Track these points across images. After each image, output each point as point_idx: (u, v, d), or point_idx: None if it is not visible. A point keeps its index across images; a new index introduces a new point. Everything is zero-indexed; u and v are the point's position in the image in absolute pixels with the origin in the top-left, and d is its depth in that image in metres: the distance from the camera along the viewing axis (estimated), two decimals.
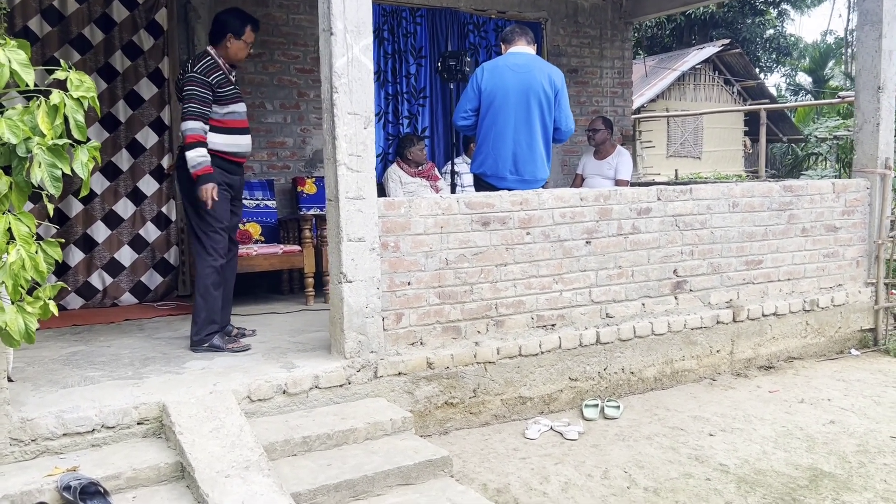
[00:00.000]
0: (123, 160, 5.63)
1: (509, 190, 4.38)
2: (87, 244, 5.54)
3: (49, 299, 3.01)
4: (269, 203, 6.00)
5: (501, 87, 4.47)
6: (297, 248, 5.53)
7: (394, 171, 6.33)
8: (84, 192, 2.99)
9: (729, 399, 4.66)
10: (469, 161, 6.42)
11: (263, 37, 6.10)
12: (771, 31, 21.54)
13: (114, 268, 5.62)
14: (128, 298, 5.66)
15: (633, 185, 6.71)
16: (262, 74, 6.15)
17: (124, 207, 5.64)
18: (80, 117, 2.89)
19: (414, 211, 3.97)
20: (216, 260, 4.06)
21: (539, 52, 7.49)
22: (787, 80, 26.41)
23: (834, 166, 19.05)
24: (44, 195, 2.89)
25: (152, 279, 5.76)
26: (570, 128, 4.70)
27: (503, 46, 4.76)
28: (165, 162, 5.77)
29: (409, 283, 3.98)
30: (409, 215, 3.96)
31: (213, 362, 3.89)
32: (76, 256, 5.50)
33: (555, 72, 4.65)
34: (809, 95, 26.05)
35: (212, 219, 4.03)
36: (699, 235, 4.97)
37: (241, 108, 4.19)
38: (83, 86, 2.94)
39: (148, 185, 5.71)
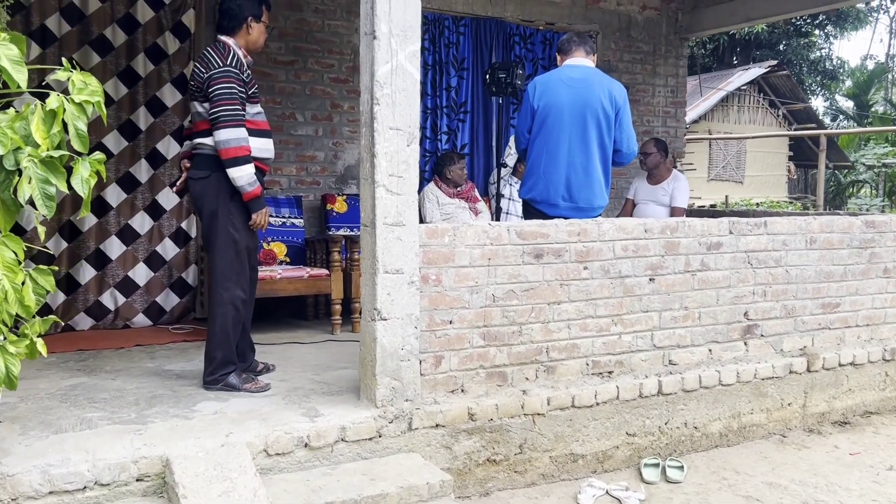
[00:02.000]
0: (142, 171, 5.23)
1: (564, 219, 3.89)
2: (100, 260, 5.14)
3: (38, 336, 2.57)
4: (296, 221, 5.56)
5: (555, 103, 4.01)
6: (324, 272, 5.08)
7: (431, 190, 5.88)
8: (84, 213, 2.56)
9: (805, 462, 4.11)
10: (516, 182, 5.96)
11: (296, 43, 5.69)
12: (818, 54, 20.89)
13: (127, 287, 5.21)
14: (141, 320, 5.24)
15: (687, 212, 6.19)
16: (294, 83, 5.74)
17: (141, 222, 5.24)
18: (82, 125, 2.47)
19: (459, 240, 3.50)
20: (238, 293, 3.59)
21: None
22: (829, 105, 25.69)
23: (880, 195, 18.35)
24: (35, 216, 2.46)
25: (168, 300, 5.35)
26: (633, 150, 4.21)
27: (559, 58, 4.28)
28: None
29: (450, 322, 3.51)
30: (454, 245, 3.49)
31: (228, 405, 3.43)
32: (87, 273, 5.10)
33: (616, 87, 4.16)
34: (852, 121, 25.32)
35: (237, 243, 3.56)
36: (773, 274, 4.44)
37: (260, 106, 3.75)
38: (87, 88, 2.51)
39: (168, 199, 5.31)
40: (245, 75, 3.55)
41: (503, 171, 5.84)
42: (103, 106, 2.54)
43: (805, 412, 4.62)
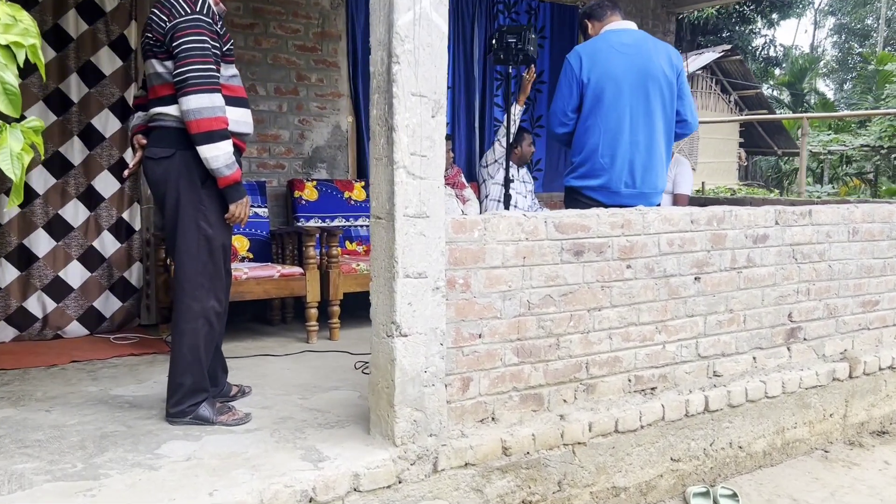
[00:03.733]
0: (75, 151, 4.38)
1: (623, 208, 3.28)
2: (24, 259, 4.28)
3: None
4: (259, 211, 4.79)
5: (610, 75, 3.35)
6: (297, 270, 4.34)
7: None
8: (15, 201, 1.81)
9: (861, 483, 3.62)
10: (513, 167, 5.31)
11: (256, 4, 4.92)
12: (760, 40, 20.92)
13: (58, 289, 4.36)
14: (75, 329, 4.40)
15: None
16: (254, 51, 4.95)
17: (74, 212, 4.39)
18: (12, 78, 1.73)
19: (490, 235, 2.84)
20: (212, 304, 2.85)
21: (576, 42, 6.45)
22: (770, 92, 25.92)
23: (823, 181, 18.45)
24: None
25: (108, 304, 4.52)
26: (696, 120, 3.62)
27: (592, 25, 3.62)
28: (129, 156, 4.52)
29: (480, 336, 2.85)
30: (484, 241, 2.83)
31: (202, 445, 2.69)
32: (8, 275, 4.24)
33: (671, 49, 3.55)
34: (787, 109, 25.56)
35: (210, 240, 2.81)
36: (816, 270, 3.94)
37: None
38: (18, 26, 1.76)
39: (106, 184, 4.47)
40: (219, 26, 2.80)
41: (496, 154, 5.19)
42: (40, 53, 1.79)
43: (845, 423, 4.15)
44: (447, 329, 2.74)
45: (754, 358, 3.74)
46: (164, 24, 2.69)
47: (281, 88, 5.06)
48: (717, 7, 16.62)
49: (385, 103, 2.59)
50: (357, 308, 5.04)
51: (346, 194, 5.11)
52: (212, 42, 2.70)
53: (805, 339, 3.93)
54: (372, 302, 2.76)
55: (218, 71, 2.72)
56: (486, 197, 5.29)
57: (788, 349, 3.88)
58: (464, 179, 5.40)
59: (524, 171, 5.47)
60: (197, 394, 2.85)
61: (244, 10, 4.88)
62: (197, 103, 2.62)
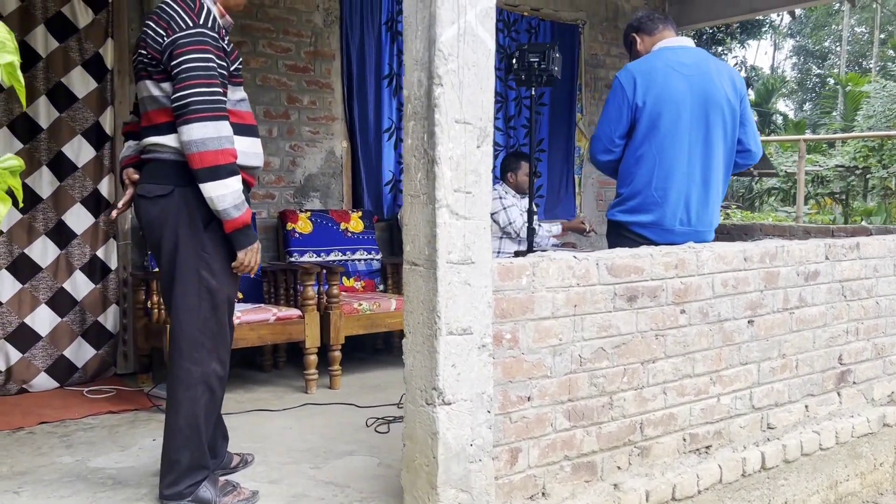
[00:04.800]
0: (44, 183, 3.92)
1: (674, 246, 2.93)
2: None
3: None
4: None
5: (669, 99, 2.97)
6: (294, 312, 3.92)
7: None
8: None
9: None
10: (509, 192, 4.96)
11: (244, 20, 4.51)
12: (732, 62, 20.99)
13: (24, 338, 3.88)
14: (43, 382, 3.92)
15: None
16: (242, 71, 4.52)
17: (42, 251, 3.92)
18: None
19: (539, 281, 2.47)
20: (214, 368, 2.42)
21: (576, 63, 6.15)
22: None
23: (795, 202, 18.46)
24: None
25: (80, 353, 4.04)
26: (761, 149, 3.29)
27: (641, 40, 3.23)
28: (105, 187, 4.08)
29: (528, 399, 2.47)
30: (533, 288, 2.46)
31: None
32: None
33: (734, 72, 3.21)
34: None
35: (214, 293, 2.39)
36: (864, 307, 3.64)
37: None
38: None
39: (78, 219, 4.02)
40: (225, 42, 2.40)
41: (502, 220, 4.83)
42: (19, 73, 1.40)
43: (895, 471, 3.84)
44: (494, 392, 2.36)
45: (806, 406, 3.41)
46: (160, 39, 2.27)
47: (271, 111, 4.66)
48: (693, 31, 16.57)
49: (424, 132, 2.21)
50: (354, 349, 4.64)
51: (343, 226, 4.71)
52: (218, 60, 2.30)
53: (854, 383, 3.63)
54: (406, 362, 2.36)
55: (225, 94, 2.31)
56: (512, 223, 4.86)
57: (839, 394, 3.56)
58: None
59: (524, 200, 5.12)
60: (196, 472, 2.42)
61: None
62: (200, 133, 2.20)
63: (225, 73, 2.34)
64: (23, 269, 3.88)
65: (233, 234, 2.32)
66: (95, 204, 4.06)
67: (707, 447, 3.01)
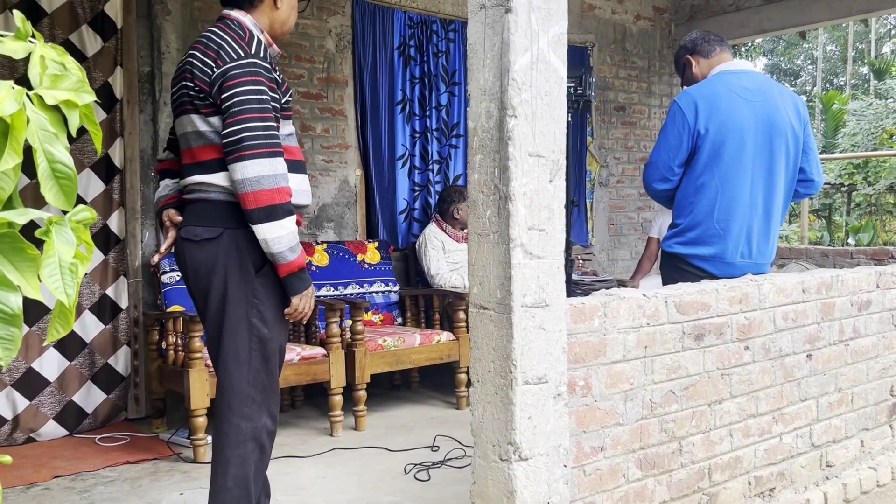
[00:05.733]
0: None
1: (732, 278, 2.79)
2: None
3: None
4: None
5: (733, 125, 2.82)
6: (319, 351, 3.73)
7: (434, 233, 4.66)
8: (61, 332, 1.24)
9: None
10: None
11: None
12: None
13: (30, 384, 3.66)
14: (52, 430, 3.69)
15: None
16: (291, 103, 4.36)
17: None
18: (64, 154, 1.17)
19: (611, 322, 2.32)
20: (265, 422, 2.23)
21: (587, 86, 6.04)
22: None
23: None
24: None
25: (90, 398, 3.82)
26: (822, 178, 3.16)
27: (696, 63, 3.10)
28: (115, 223, 3.87)
29: (601, 449, 2.31)
30: (605, 330, 2.31)
31: None
32: None
33: (798, 98, 3.08)
34: None
35: (265, 343, 2.20)
36: None
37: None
38: (70, 78, 1.23)
39: None
40: (277, 74, 2.24)
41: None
42: (94, 116, 1.23)
43: None
44: (569, 445, 2.19)
45: (861, 441, 3.28)
46: (210, 71, 2.10)
47: None
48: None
49: (495, 166, 2.06)
50: (372, 386, 4.44)
51: (360, 257, 4.54)
52: (270, 93, 2.14)
53: None
54: (475, 413, 2.19)
55: (279, 128, 2.15)
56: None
57: (891, 427, 3.44)
58: None
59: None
60: None
61: None
62: (255, 170, 2.03)
63: (277, 105, 2.17)
64: (29, 311, 3.65)
65: (287, 278, 2.14)
66: (105, 240, 3.86)
67: (771, 490, 2.87)
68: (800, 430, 2.98)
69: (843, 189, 16.35)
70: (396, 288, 4.68)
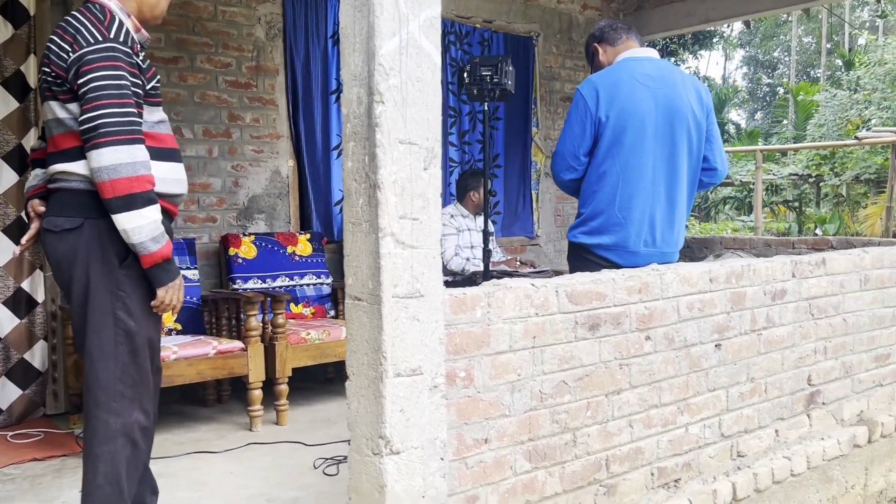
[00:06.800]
0: None
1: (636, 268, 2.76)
2: None
3: None
4: (187, 273, 4.10)
5: (634, 112, 2.78)
6: (237, 345, 3.67)
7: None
8: None
9: None
10: (457, 216, 4.78)
11: (180, 35, 4.28)
12: (686, 72, 21.21)
13: None
14: None
15: None
16: (179, 88, 4.30)
17: None
18: None
19: (495, 312, 2.28)
20: (137, 417, 2.17)
21: (531, 76, 6.01)
22: None
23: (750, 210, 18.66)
24: None
25: (5, 394, 3.75)
26: (727, 167, 3.14)
27: (603, 50, 3.05)
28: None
29: (486, 441, 2.27)
30: (489, 320, 2.27)
31: None
32: None
33: (701, 85, 3.05)
34: None
35: (132, 336, 2.14)
36: (832, 325, 3.52)
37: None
38: None
39: (0, 249, 3.72)
40: (140, 58, 2.17)
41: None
42: None
43: (866, 493, 3.73)
44: (447, 437, 2.15)
45: (776, 431, 3.27)
46: (66, 55, 2.03)
47: (210, 130, 4.41)
48: (648, 42, 16.70)
49: (365, 154, 2.01)
50: (303, 380, 4.40)
51: (290, 249, 4.48)
52: (131, 78, 2.07)
53: (824, 404, 3.50)
54: (350, 407, 2.15)
55: (140, 116, 2.08)
56: (441, 254, 4.71)
57: (808, 416, 3.43)
58: None
59: (479, 218, 4.95)
60: None
61: (166, 42, 4.23)
62: (112, 158, 1.97)
63: (140, 91, 2.11)
64: None
65: (151, 269, 2.08)
66: (19, 233, 3.77)
67: (676, 480, 2.85)
68: (708, 420, 2.96)
69: (811, 180, 16.47)
70: (329, 280, 4.63)
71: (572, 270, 2.98)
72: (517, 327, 2.34)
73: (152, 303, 2.14)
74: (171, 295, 2.14)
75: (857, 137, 11.15)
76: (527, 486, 2.38)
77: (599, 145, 2.81)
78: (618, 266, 2.87)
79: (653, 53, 3.05)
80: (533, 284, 2.41)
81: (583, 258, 2.93)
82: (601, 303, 2.56)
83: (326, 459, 3.21)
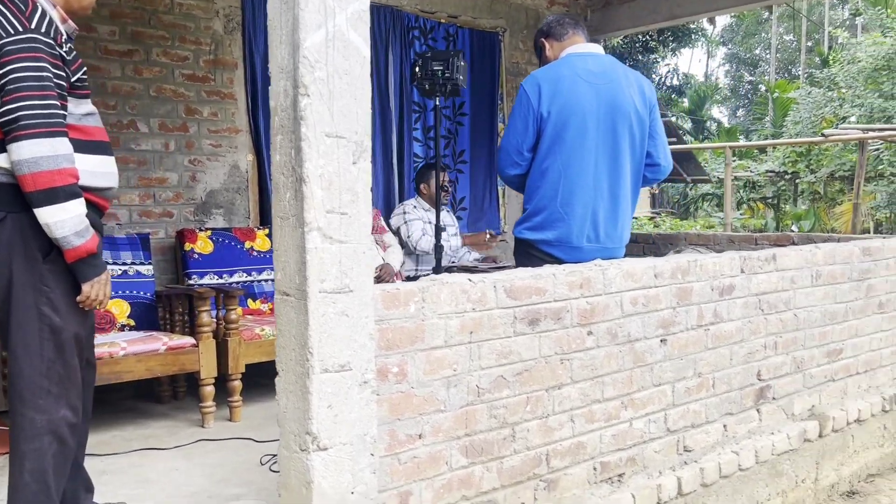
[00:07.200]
0: None
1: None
2: None
3: None
4: (141, 269, 4.06)
5: (575, 108, 2.79)
6: (188, 340, 3.64)
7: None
8: None
9: None
10: (420, 206, 4.78)
11: (136, 27, 4.23)
12: (665, 69, 21.28)
13: None
14: None
15: None
16: (134, 81, 4.25)
17: None
18: None
19: (430, 307, 2.27)
20: (63, 414, 2.14)
21: (497, 71, 6.01)
22: (675, 119, 26.49)
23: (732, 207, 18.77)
24: None
25: None
26: (671, 163, 3.14)
27: (550, 46, 3.04)
28: None
29: (420, 437, 2.26)
30: (423, 315, 2.26)
31: None
32: None
33: (644, 80, 3.05)
34: (690, 136, 26.17)
35: (57, 332, 2.11)
36: (783, 320, 3.54)
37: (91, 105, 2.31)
38: None
39: None
40: (65, 50, 2.14)
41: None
42: None
43: (817, 487, 3.75)
44: (379, 433, 2.14)
45: (725, 426, 3.29)
46: None
47: (167, 124, 4.37)
48: (622, 36, 16.76)
49: (291, 147, 1.99)
50: (261, 375, 4.36)
51: (248, 244, 4.44)
52: (54, 70, 2.04)
53: (774, 399, 3.52)
54: (280, 403, 2.14)
55: (64, 108, 2.05)
56: (409, 238, 4.72)
57: (758, 411, 3.45)
58: (384, 223, 4.81)
59: (444, 211, 4.95)
60: None
61: (120, 35, 4.19)
62: (32, 151, 1.94)
63: (64, 83, 2.08)
64: None
65: (76, 264, 2.06)
66: None
67: (620, 475, 2.85)
68: (653, 415, 2.97)
69: (787, 177, 16.58)
70: None
71: (518, 266, 2.98)
72: (453, 322, 2.33)
73: (78, 298, 2.12)
74: (98, 290, 2.11)
75: (823, 134, 11.24)
76: (463, 482, 2.38)
77: (542, 141, 2.81)
78: (562, 262, 2.87)
79: (597, 49, 3.05)
80: (470, 279, 2.40)
81: (528, 254, 2.93)
82: (541, 298, 2.56)
83: (273, 456, 3.19)
